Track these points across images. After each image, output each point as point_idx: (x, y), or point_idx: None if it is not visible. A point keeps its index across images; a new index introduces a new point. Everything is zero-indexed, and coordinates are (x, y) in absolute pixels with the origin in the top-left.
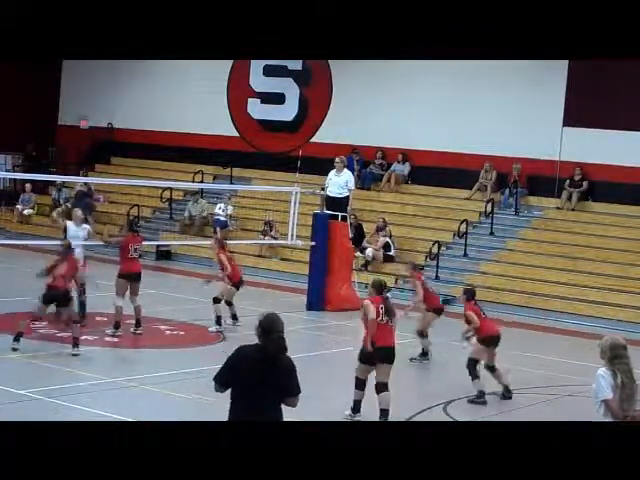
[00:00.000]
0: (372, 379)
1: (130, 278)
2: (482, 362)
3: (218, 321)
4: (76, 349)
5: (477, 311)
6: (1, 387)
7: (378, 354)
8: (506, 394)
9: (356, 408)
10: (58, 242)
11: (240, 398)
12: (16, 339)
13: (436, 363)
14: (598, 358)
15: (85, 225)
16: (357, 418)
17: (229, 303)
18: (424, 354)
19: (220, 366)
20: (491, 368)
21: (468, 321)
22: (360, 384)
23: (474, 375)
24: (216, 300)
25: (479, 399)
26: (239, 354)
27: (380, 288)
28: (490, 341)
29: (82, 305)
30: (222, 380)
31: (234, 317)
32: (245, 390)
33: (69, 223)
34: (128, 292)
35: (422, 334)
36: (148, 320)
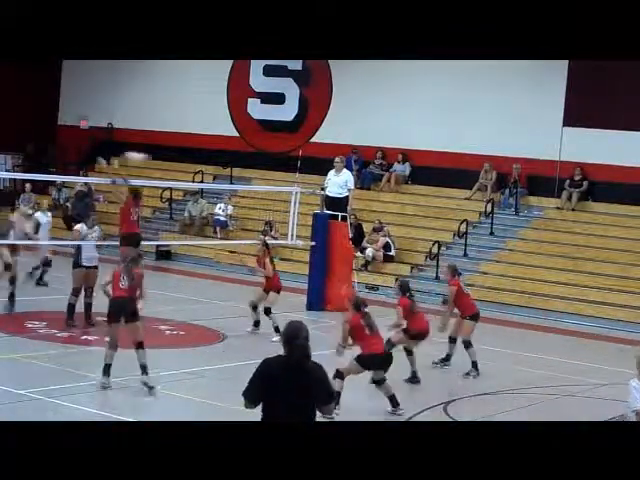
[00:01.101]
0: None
1: None
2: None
3: (276, 330)
4: (146, 376)
5: (407, 306)
6: (1, 387)
7: (373, 361)
8: (413, 379)
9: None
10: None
11: (270, 409)
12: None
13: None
14: (598, 358)
15: (96, 227)
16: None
17: (255, 307)
18: (447, 358)
19: (220, 366)
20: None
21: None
22: (341, 376)
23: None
24: (268, 311)
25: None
26: (263, 366)
27: (358, 306)
28: (419, 336)
29: (88, 307)
30: (250, 395)
31: (257, 324)
32: (274, 401)
33: (81, 225)
34: None
35: (454, 340)
36: (148, 320)
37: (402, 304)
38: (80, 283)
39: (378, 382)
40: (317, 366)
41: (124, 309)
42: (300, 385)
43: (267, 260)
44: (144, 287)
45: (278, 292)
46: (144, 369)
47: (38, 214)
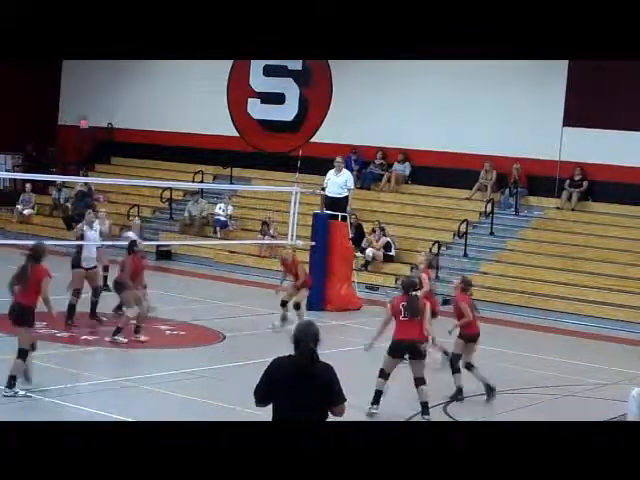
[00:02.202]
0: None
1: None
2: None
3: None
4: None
5: (470, 305)
6: (1, 387)
7: (399, 348)
8: (489, 392)
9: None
10: (60, 243)
11: (279, 409)
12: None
13: (436, 363)
14: (598, 358)
15: (95, 225)
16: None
17: (285, 303)
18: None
19: (220, 365)
20: (469, 365)
21: (460, 312)
22: (383, 375)
23: (455, 369)
24: (297, 306)
25: (458, 395)
26: (272, 366)
27: (407, 288)
28: (472, 338)
29: (94, 305)
30: (259, 394)
31: (284, 318)
32: (282, 401)
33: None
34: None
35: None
36: (148, 320)
37: (464, 300)
38: (80, 284)
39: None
40: (326, 367)
41: (14, 315)
42: (308, 386)
43: (300, 266)
44: (44, 288)
45: (309, 288)
46: (12, 380)
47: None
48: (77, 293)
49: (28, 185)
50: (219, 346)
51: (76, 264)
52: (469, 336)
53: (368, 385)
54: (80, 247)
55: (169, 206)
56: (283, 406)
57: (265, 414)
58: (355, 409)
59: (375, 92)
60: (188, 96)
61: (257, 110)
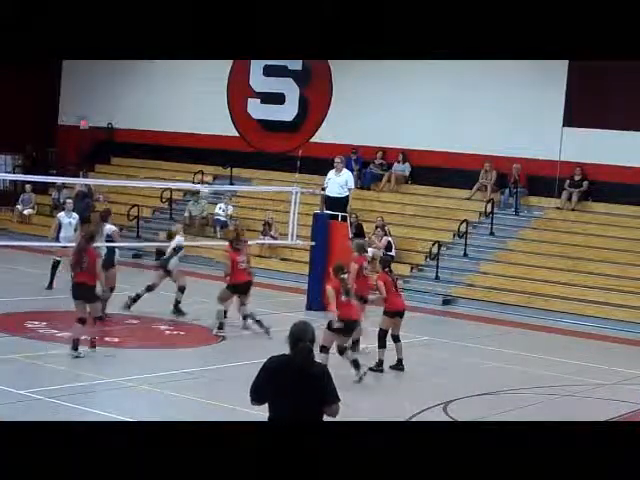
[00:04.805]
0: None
1: (240, 289)
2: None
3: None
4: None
5: (388, 282)
6: (1, 387)
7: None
8: (399, 365)
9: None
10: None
11: (275, 408)
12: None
13: (436, 363)
14: (598, 358)
15: (73, 214)
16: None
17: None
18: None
19: (219, 366)
20: (395, 337)
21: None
22: (325, 350)
23: (381, 344)
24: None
25: (378, 367)
26: (268, 365)
27: (336, 272)
28: (395, 314)
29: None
30: (255, 393)
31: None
32: (278, 400)
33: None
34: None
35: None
36: (148, 320)
37: (382, 279)
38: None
39: (341, 351)
40: (321, 367)
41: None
42: (303, 386)
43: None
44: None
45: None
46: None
47: (61, 214)
48: (112, 290)
49: (28, 185)
50: (219, 346)
51: (111, 263)
52: (391, 312)
53: (368, 384)
54: (112, 247)
55: (169, 206)
56: (280, 405)
57: (265, 414)
58: (354, 409)
59: (375, 92)
60: (188, 96)
61: (257, 110)
